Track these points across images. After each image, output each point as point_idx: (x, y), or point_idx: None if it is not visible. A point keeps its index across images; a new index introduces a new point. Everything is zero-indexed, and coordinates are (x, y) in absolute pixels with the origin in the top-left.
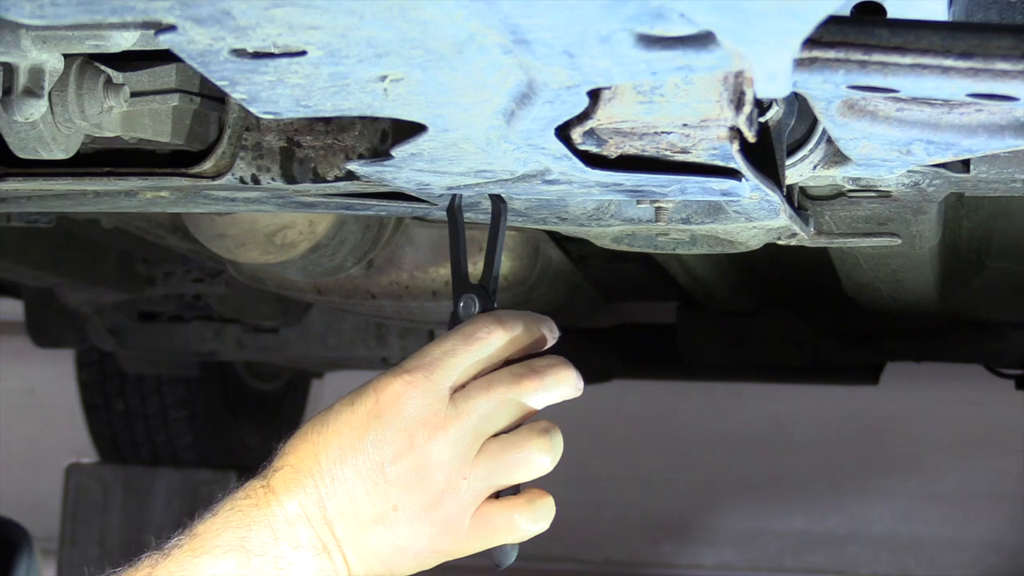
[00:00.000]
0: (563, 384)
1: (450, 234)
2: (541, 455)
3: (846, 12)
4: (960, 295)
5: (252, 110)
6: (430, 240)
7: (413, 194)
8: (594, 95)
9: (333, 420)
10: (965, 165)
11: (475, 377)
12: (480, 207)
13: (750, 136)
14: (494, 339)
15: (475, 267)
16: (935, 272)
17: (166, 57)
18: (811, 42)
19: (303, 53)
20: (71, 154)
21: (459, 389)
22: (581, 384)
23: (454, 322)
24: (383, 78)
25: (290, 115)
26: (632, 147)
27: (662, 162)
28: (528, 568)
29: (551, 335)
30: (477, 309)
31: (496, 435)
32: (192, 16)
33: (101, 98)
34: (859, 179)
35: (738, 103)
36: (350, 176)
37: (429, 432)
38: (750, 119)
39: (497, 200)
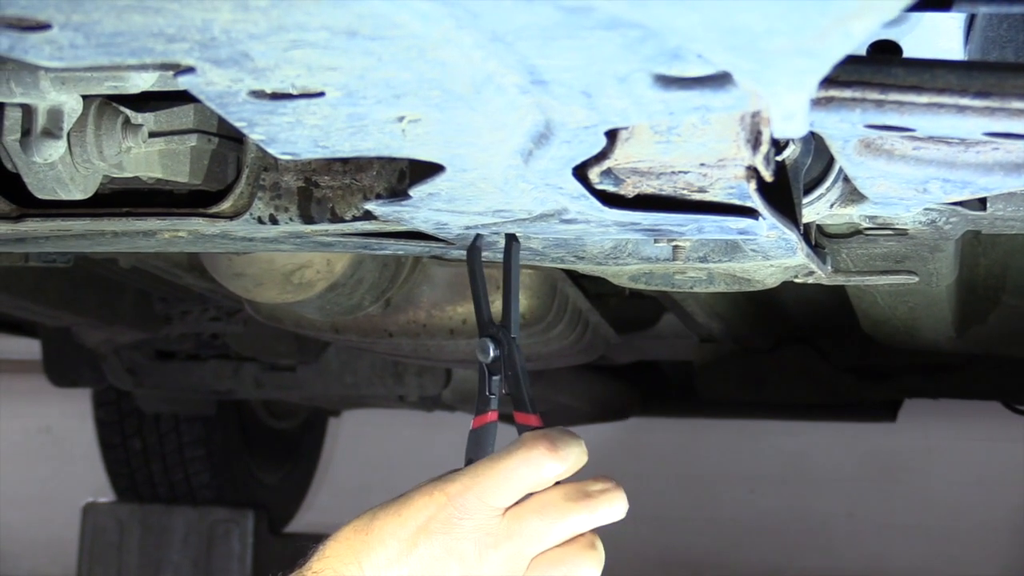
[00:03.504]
0: (614, 510)
1: (469, 276)
2: (592, 568)
3: (862, 51)
4: (977, 332)
5: (270, 151)
6: (448, 278)
7: (431, 233)
8: (611, 135)
9: (378, 528)
10: (982, 203)
11: (525, 495)
12: (497, 246)
13: (767, 175)
14: (548, 465)
15: (495, 304)
16: (952, 309)
17: (184, 97)
18: (828, 81)
19: (321, 94)
20: (89, 195)
21: (510, 508)
22: (627, 507)
23: (480, 367)
24: (401, 119)
25: (308, 156)
26: (649, 186)
27: (679, 201)
28: None
29: (585, 455)
30: (492, 354)
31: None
32: (211, 58)
33: (119, 139)
34: (876, 217)
35: (755, 143)
36: (368, 216)
37: (480, 552)
38: (767, 158)
39: (510, 239)
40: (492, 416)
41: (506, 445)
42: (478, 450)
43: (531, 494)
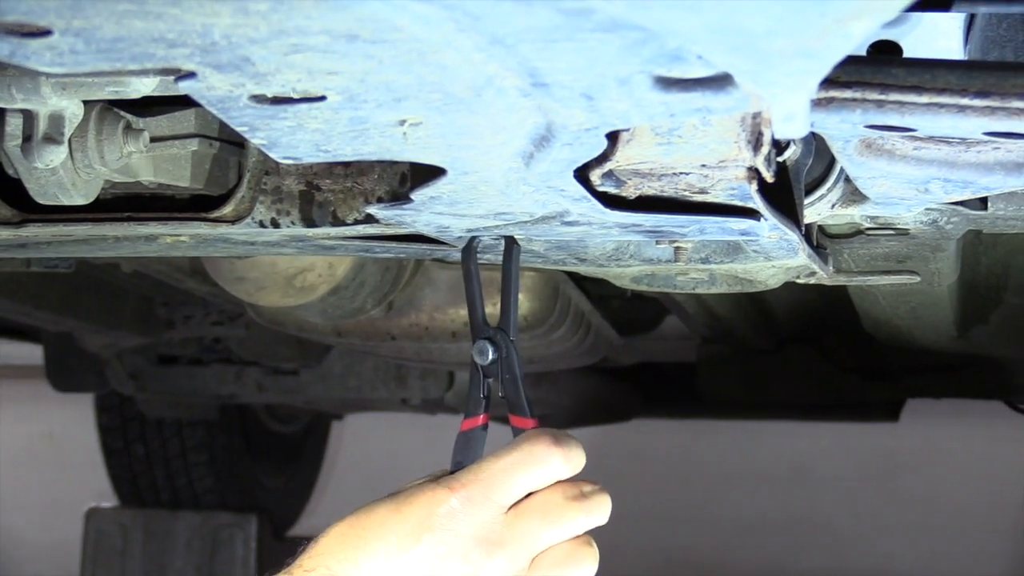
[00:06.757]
0: (604, 511)
1: (464, 278)
2: (591, 567)
3: (862, 52)
4: (979, 331)
5: (272, 155)
6: (449, 281)
7: (432, 236)
8: (613, 137)
9: (377, 523)
10: (983, 202)
11: (528, 494)
12: (498, 249)
13: (768, 176)
14: (553, 462)
15: (494, 307)
16: (953, 309)
17: (185, 102)
18: (828, 82)
19: (323, 98)
20: (91, 199)
21: (513, 506)
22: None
23: (474, 369)
24: (402, 122)
25: (310, 160)
26: (651, 188)
27: (681, 202)
28: None
29: (584, 457)
30: (490, 356)
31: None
32: (212, 63)
33: (121, 144)
34: (877, 217)
35: (756, 144)
36: (369, 219)
37: (485, 551)
38: (768, 159)
39: (510, 241)
40: (483, 419)
41: (507, 443)
42: (468, 453)
43: (530, 493)
